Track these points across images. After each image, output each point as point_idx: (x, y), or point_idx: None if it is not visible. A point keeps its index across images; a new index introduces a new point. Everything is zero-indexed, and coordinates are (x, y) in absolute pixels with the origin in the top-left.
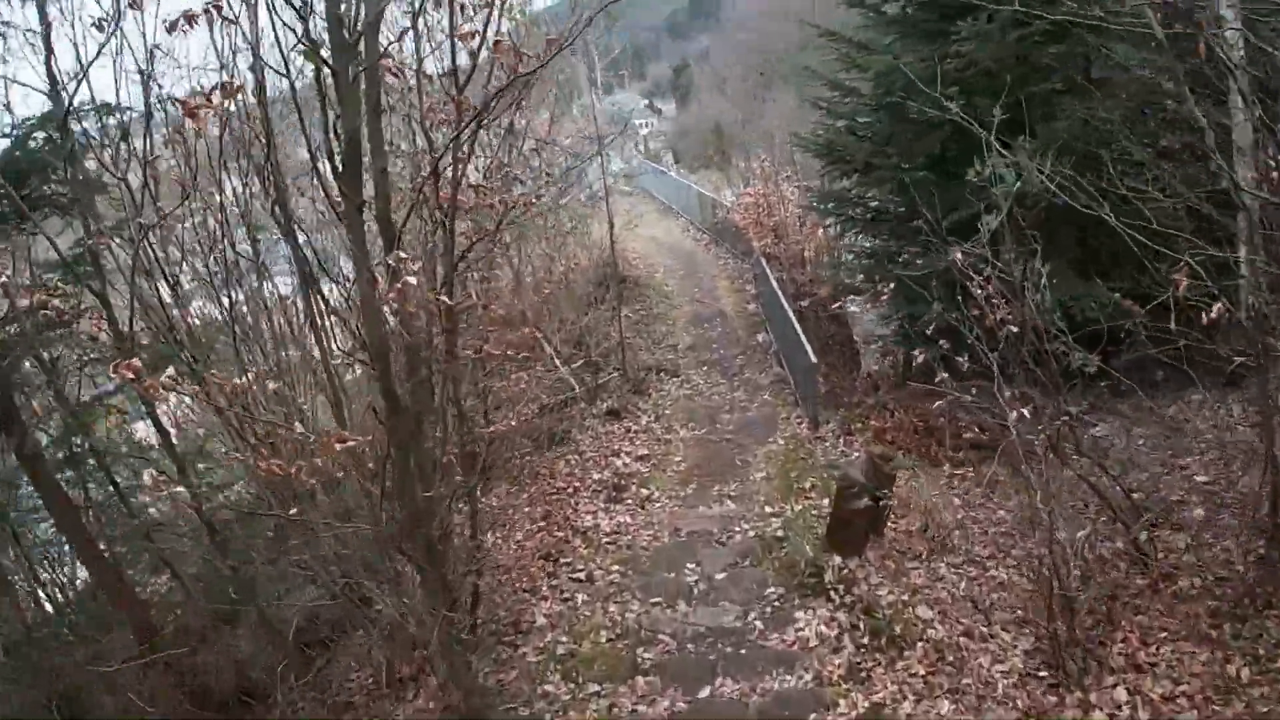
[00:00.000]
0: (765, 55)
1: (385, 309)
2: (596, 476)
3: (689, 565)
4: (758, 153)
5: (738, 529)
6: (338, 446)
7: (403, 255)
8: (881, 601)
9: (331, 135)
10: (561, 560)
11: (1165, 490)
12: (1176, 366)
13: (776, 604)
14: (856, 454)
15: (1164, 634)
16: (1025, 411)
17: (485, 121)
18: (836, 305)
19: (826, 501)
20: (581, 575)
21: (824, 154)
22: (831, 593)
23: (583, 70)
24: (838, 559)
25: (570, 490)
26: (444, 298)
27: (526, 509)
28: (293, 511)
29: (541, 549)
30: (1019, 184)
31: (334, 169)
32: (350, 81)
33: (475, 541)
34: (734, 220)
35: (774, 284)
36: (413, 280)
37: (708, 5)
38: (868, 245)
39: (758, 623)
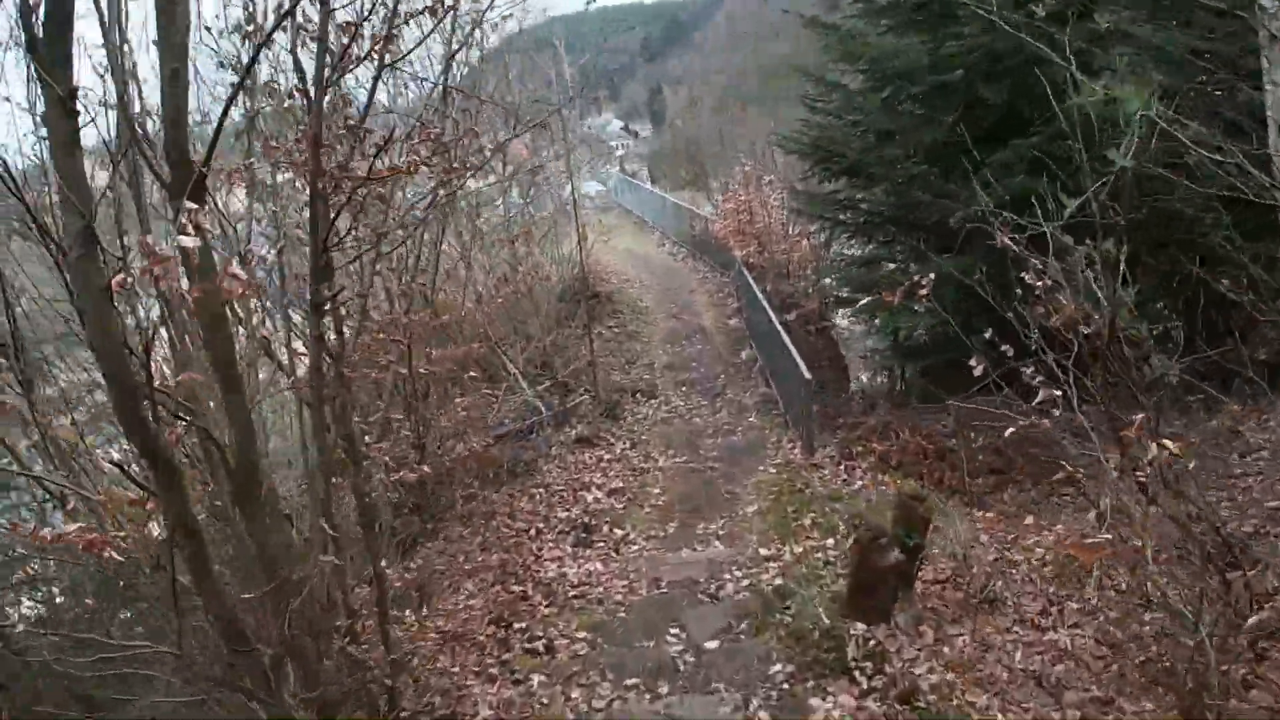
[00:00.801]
0: (741, 72)
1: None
2: (563, 514)
3: (672, 630)
4: (739, 159)
5: (728, 577)
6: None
7: (192, 205)
8: (922, 684)
9: None
10: (516, 625)
11: (1234, 519)
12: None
13: (785, 687)
14: (860, 484)
15: None
16: (1170, 444)
17: (388, 53)
18: (846, 321)
19: (831, 542)
20: (540, 644)
21: (811, 153)
22: (856, 672)
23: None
24: (861, 626)
25: (532, 532)
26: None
27: (480, 556)
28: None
29: (493, 610)
30: (1145, 107)
31: (27, 34)
32: None
33: (385, 629)
34: (713, 232)
35: (759, 295)
36: (191, 241)
37: (681, 28)
38: (857, 252)
39: (762, 714)
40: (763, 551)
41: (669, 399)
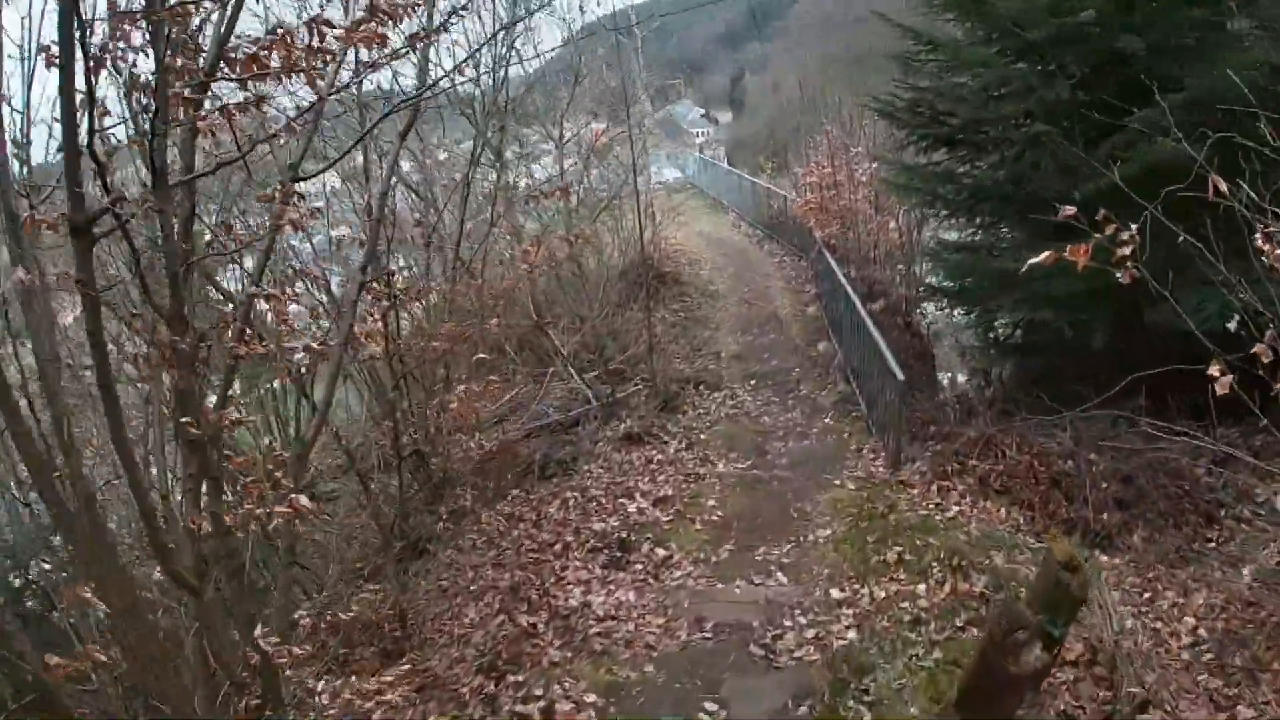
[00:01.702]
0: (824, 57)
1: None
2: (598, 526)
3: (708, 706)
4: (823, 126)
5: (790, 625)
6: None
7: None
8: None
9: None
10: (510, 677)
11: None
12: None
13: None
14: (956, 509)
15: None
16: None
17: None
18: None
19: (922, 588)
20: (536, 708)
21: (908, 118)
22: None
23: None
24: None
25: (558, 547)
26: None
27: (492, 574)
28: None
29: (487, 650)
30: None
31: None
32: None
33: None
34: (792, 211)
35: (843, 281)
36: None
37: (764, 13)
38: (955, 236)
39: None
40: (834, 593)
41: (735, 393)
